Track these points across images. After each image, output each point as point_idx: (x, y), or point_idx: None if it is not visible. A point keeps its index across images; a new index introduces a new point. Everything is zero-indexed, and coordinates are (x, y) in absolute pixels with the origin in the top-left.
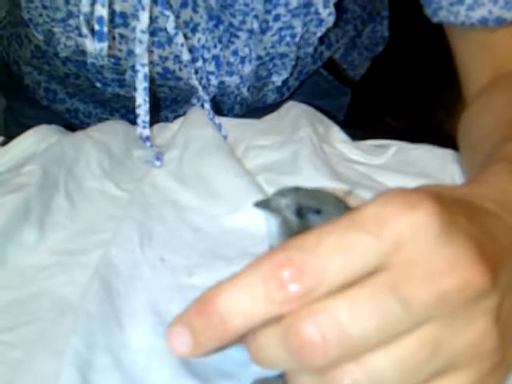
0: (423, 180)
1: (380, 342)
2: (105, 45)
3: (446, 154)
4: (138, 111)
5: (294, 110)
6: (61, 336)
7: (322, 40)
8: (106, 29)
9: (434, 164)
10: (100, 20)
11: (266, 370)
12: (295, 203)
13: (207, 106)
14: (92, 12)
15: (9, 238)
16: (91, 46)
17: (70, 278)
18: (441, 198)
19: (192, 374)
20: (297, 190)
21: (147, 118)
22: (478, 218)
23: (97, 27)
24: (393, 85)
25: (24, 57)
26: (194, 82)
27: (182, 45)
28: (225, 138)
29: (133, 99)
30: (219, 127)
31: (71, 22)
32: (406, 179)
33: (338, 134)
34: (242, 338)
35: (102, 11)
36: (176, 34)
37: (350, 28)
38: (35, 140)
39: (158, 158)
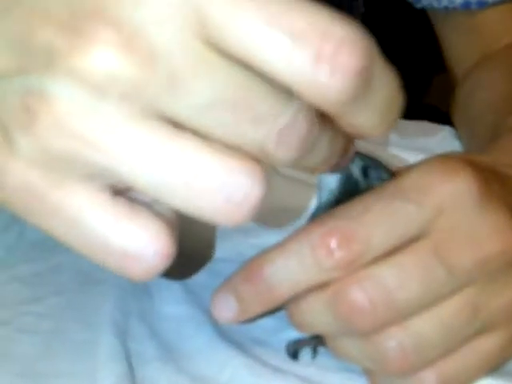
0: (426, 155)
1: (424, 306)
2: None
3: (444, 129)
4: None
5: None
6: (91, 306)
7: None
8: None
9: (434, 140)
10: None
11: (303, 332)
12: (361, 162)
13: None
14: None
15: None
16: None
17: None
18: (476, 166)
19: (226, 341)
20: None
21: None
22: (507, 185)
23: None
24: None
25: None
26: None
27: None
28: None
29: None
30: None
31: None
32: (408, 155)
33: None
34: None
35: None
36: None
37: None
38: None
39: None
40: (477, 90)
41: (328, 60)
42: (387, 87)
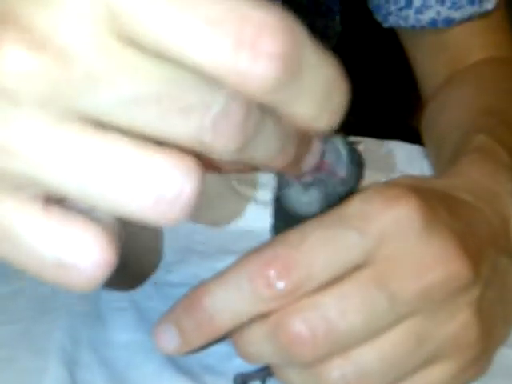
0: (393, 175)
1: (366, 336)
2: None
3: (413, 149)
4: None
5: None
6: (43, 334)
7: None
8: None
9: (403, 159)
10: None
11: (250, 363)
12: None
13: None
14: None
15: None
16: None
17: None
18: (422, 192)
19: (176, 369)
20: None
21: None
22: (457, 211)
23: None
24: None
25: None
26: None
27: None
28: None
29: None
30: None
31: None
32: (375, 175)
33: None
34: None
35: None
36: None
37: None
38: None
39: None
40: (445, 107)
41: (248, 46)
42: (322, 73)
